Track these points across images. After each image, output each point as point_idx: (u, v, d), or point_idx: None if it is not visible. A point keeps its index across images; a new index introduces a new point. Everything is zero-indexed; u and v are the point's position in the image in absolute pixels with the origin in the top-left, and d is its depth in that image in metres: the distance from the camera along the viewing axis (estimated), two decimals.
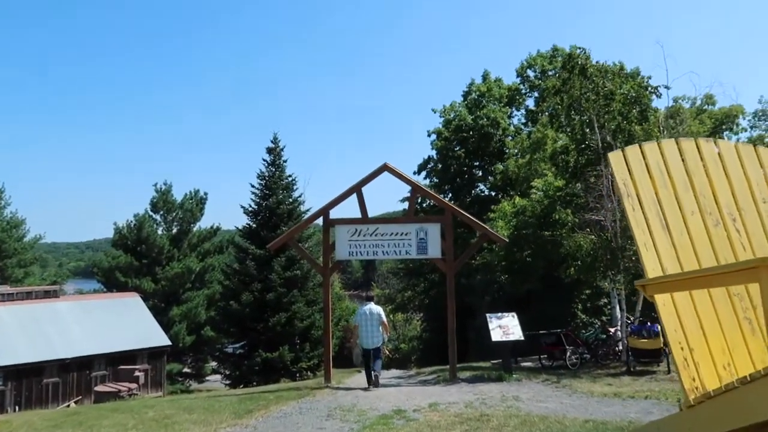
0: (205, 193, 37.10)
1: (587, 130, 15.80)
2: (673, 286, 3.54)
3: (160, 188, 36.07)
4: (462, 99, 33.70)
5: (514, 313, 13.48)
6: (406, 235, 13.13)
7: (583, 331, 16.69)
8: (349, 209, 14.94)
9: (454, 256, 13.23)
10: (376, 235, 13.20)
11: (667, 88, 15.79)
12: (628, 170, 4.23)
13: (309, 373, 20.11)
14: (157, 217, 36.70)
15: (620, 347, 15.04)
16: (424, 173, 33.40)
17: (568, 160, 16.30)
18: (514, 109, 34.02)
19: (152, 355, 26.94)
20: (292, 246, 14.47)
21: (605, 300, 18.92)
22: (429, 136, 32.68)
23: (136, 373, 23.28)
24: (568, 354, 14.50)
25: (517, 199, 20.46)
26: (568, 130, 16.09)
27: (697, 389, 3.37)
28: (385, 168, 13.37)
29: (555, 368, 15.03)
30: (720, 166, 4.31)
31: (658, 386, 11.22)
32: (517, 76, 34.14)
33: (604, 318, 19.29)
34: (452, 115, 32.27)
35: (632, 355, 13.22)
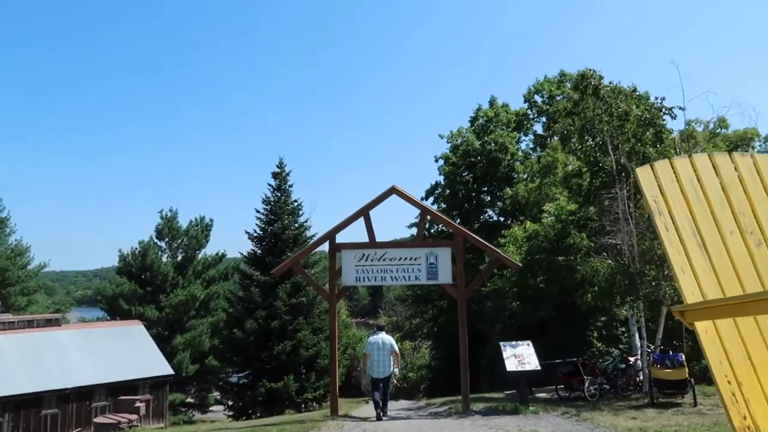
0: (211, 220, 36.81)
1: (599, 153, 15.39)
2: (716, 312, 3.16)
3: (166, 215, 35.82)
4: (469, 124, 33.49)
5: (529, 342, 12.88)
6: (415, 259, 12.66)
7: (601, 360, 16.00)
8: (356, 234, 14.53)
9: (465, 281, 12.72)
10: (384, 260, 12.73)
11: (681, 109, 15.37)
12: (659, 186, 3.90)
13: (315, 404, 19.40)
14: (162, 244, 36.36)
15: (641, 377, 14.35)
16: (431, 199, 33.02)
17: (581, 183, 15.85)
18: (521, 134, 33.76)
19: (154, 384, 26.26)
20: (297, 271, 13.99)
21: (623, 328, 18.21)
22: (436, 161, 32.42)
23: (137, 404, 22.59)
24: (587, 384, 13.82)
25: (529, 223, 19.97)
26: (581, 152, 15.68)
27: (749, 429, 2.94)
28: (393, 191, 12.97)
29: (573, 399, 14.33)
30: (759, 182, 3.97)
31: (686, 420, 10.55)
32: (525, 101, 33.96)
33: (621, 347, 18.56)
34: (459, 141, 32.02)
35: (655, 386, 12.55)
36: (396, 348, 11.52)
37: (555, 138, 30.97)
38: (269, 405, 18.11)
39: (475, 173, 29.98)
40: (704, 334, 3.48)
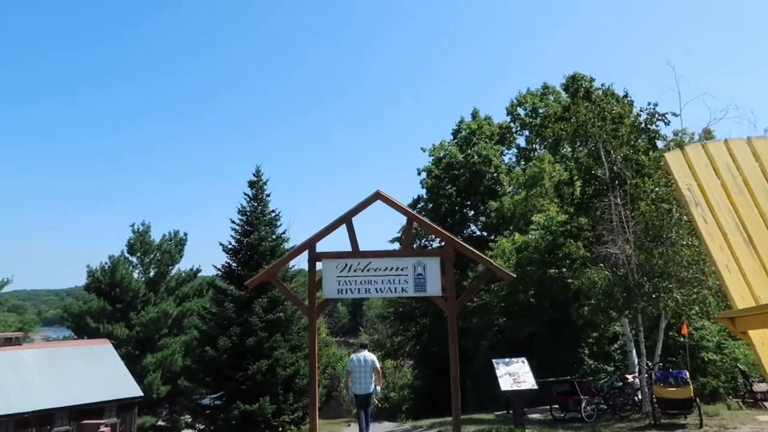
0: (185, 234, 35.37)
1: (591, 159, 14.76)
2: None
3: (138, 229, 34.31)
4: (452, 137, 32.92)
5: (523, 359, 12.05)
6: (402, 270, 11.75)
7: (595, 379, 15.20)
8: (338, 243, 13.61)
9: (458, 293, 11.85)
10: (368, 271, 11.80)
11: (675, 115, 14.85)
12: (692, 173, 3.37)
13: (293, 426, 18.20)
14: (134, 259, 34.77)
15: (639, 396, 13.56)
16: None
17: (573, 192, 15.18)
18: (505, 147, 33.28)
19: (122, 407, 24.70)
20: (273, 283, 12.97)
21: (615, 344, 17.45)
22: (419, 174, 31.70)
23: (101, 429, 21.04)
24: (584, 404, 12.99)
25: (517, 235, 19.24)
26: (573, 159, 15.02)
27: None
28: (377, 196, 12.10)
29: (568, 420, 13.48)
30: None
31: None
32: (507, 114, 33.57)
33: (613, 364, 17.78)
34: (442, 154, 31.38)
35: (658, 406, 11.75)
36: (378, 365, 11.51)
37: (541, 148, 30.56)
38: (244, 429, 16.85)
39: (458, 186, 29.28)
40: (761, 345, 2.92)
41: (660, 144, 15.20)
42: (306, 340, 17.65)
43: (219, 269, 20.00)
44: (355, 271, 11.78)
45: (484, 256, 12.03)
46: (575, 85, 14.08)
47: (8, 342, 24.76)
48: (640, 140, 15.08)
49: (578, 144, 14.17)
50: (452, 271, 11.85)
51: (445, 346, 28.05)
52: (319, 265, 11.96)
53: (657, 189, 12.97)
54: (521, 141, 34.16)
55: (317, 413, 11.44)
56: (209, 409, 19.40)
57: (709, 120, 13.43)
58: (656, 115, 15.02)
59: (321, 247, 12.00)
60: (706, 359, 15.74)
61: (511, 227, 23.84)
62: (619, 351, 18.22)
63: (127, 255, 34.34)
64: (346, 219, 11.97)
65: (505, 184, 27.69)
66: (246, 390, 17.44)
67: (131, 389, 25.45)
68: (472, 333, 21.85)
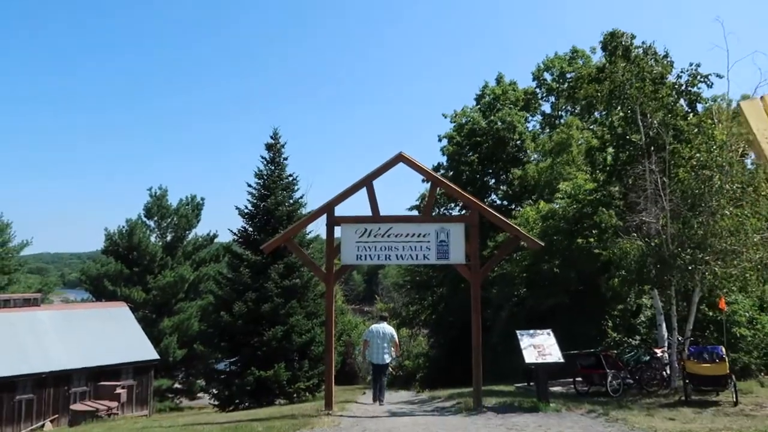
0: (202, 199, 35.22)
1: (626, 124, 13.90)
2: None
3: (155, 192, 34.20)
4: (475, 103, 31.88)
5: (549, 331, 11.47)
6: (424, 236, 11.19)
7: (618, 351, 14.66)
8: (357, 207, 13.05)
9: (480, 262, 11.29)
10: (389, 237, 11.27)
11: (719, 76, 13.85)
12: None
13: (308, 394, 18.03)
14: (151, 223, 34.79)
15: (667, 371, 13.00)
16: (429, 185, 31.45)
17: (605, 158, 14.39)
18: (529, 114, 32.20)
19: (138, 369, 24.85)
20: (289, 248, 12.51)
21: (642, 317, 16.82)
22: (440, 140, 30.78)
23: (117, 390, 21.17)
24: (609, 379, 12.46)
25: (542, 203, 18.50)
26: (606, 123, 14.18)
27: None
28: (400, 159, 11.47)
29: (592, 394, 12.99)
30: None
31: (734, 422, 9.17)
32: (533, 80, 32.41)
33: (638, 337, 17.19)
34: (464, 120, 30.41)
35: (689, 382, 11.18)
36: (396, 338, 11.87)
37: (568, 115, 29.47)
38: (258, 395, 16.71)
39: (480, 153, 28.39)
40: None
41: (700, 108, 14.24)
42: (322, 307, 17.30)
43: (235, 234, 19.61)
44: (375, 236, 11.25)
45: (511, 223, 11.41)
46: (614, 42, 13.14)
47: (27, 303, 24.91)
48: (679, 103, 14.17)
49: (614, 107, 13.30)
50: (477, 239, 11.27)
51: (462, 315, 27.66)
52: (337, 231, 11.45)
53: (698, 155, 12.13)
54: (546, 108, 33.10)
55: (333, 381, 11.09)
56: (224, 374, 19.28)
57: (759, 81, 12.44)
58: (698, 77, 14.07)
59: (340, 211, 11.48)
60: (738, 334, 15.08)
61: (534, 196, 23.08)
62: (644, 324, 17.61)
63: (144, 219, 34.35)
64: (367, 182, 11.39)
65: (529, 151, 26.73)
66: (261, 356, 17.22)
67: (148, 352, 25.57)
68: (491, 303, 21.32)
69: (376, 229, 11.24)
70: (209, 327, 20.62)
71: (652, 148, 13.54)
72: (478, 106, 31.23)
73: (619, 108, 13.46)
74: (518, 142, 28.22)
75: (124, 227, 33.04)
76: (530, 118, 32.19)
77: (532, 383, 14.29)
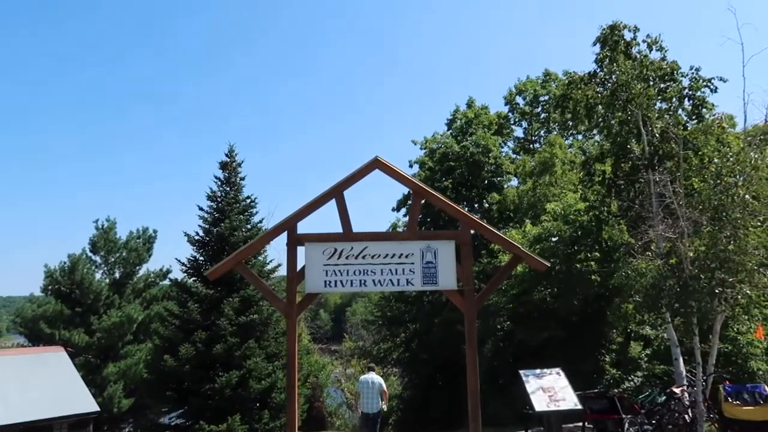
0: (155, 231, 32.36)
1: (626, 130, 12.39)
2: None
3: (102, 225, 31.26)
4: (446, 128, 30.57)
5: (559, 370, 9.61)
6: (407, 257, 9.23)
7: (630, 392, 12.79)
8: (325, 224, 11.00)
9: (475, 286, 9.37)
10: (364, 258, 9.27)
11: (722, 80, 12.53)
12: None
13: None
14: (98, 258, 31.69)
15: (690, 415, 11.14)
16: (403, 210, 29.70)
17: (604, 170, 12.80)
18: (501, 140, 31.00)
19: (74, 424, 21.58)
20: (240, 272, 10.33)
21: (648, 350, 15.02)
22: (410, 167, 29.17)
23: None
24: (626, 426, 10.53)
25: (529, 226, 16.83)
26: (605, 132, 12.65)
27: None
28: (376, 164, 9.57)
29: None
30: None
31: None
32: (506, 104, 31.34)
33: (639, 374, 15.39)
34: (436, 146, 28.97)
35: (724, 427, 9.35)
36: (384, 387, 12.45)
37: (545, 136, 28.25)
38: None
39: (454, 179, 26.83)
40: None
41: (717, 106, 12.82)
42: (285, 346, 14.97)
43: (183, 264, 17.21)
44: (347, 258, 9.25)
45: (510, 241, 9.55)
46: (614, 37, 11.71)
47: None
48: (683, 108, 12.79)
49: (617, 109, 11.78)
50: (470, 259, 9.35)
51: (436, 352, 25.60)
52: (301, 252, 9.40)
53: (717, 161, 10.61)
54: (519, 132, 32.02)
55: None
56: (168, 429, 16.56)
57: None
58: (700, 81, 12.73)
59: (304, 228, 9.47)
60: (755, 368, 13.44)
61: (515, 221, 21.45)
62: (645, 359, 15.84)
63: (89, 254, 31.30)
64: (337, 192, 9.44)
65: (510, 172, 25.23)
66: (213, 406, 14.70)
67: (86, 403, 22.34)
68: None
69: (348, 249, 9.24)
70: (150, 373, 17.91)
71: (656, 158, 12.04)
72: (450, 131, 29.93)
73: (620, 113, 11.93)
74: (493, 167, 26.80)
75: (65, 263, 29.96)
76: (503, 143, 31.00)
77: (530, 431, 12.30)
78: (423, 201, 9.71)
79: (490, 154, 26.32)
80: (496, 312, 17.68)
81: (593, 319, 14.99)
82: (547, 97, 28.65)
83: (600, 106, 12.02)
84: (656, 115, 12.02)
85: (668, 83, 11.61)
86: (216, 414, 14.68)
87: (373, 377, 12.47)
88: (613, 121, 12.29)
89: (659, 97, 11.60)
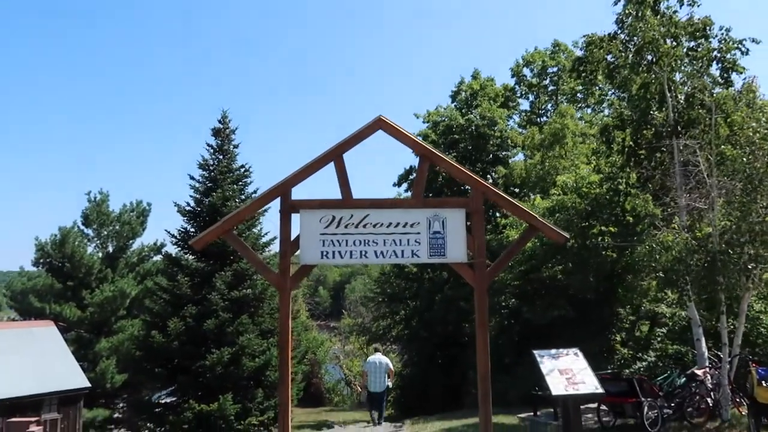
0: (149, 204, 31.48)
1: (649, 93, 11.44)
2: None
3: (94, 197, 30.41)
4: (450, 100, 29.47)
5: (577, 350, 8.80)
6: (412, 226, 8.38)
7: (648, 374, 12.06)
8: (323, 190, 10.18)
9: (488, 259, 8.54)
10: (365, 227, 8.41)
11: (755, 41, 11.55)
12: None
13: (263, 429, 14.86)
14: (90, 231, 30.86)
15: (712, 397, 10.42)
16: (405, 185, 28.77)
17: (624, 137, 11.89)
18: (507, 114, 29.97)
19: (64, 400, 21.07)
20: (228, 241, 9.48)
21: (661, 330, 14.25)
22: None
23: (32, 428, 17.46)
24: (645, 409, 9.79)
25: (538, 199, 15.97)
26: (626, 96, 11.72)
27: None
28: (379, 125, 8.66)
29: (620, 428, 10.35)
30: None
31: None
32: (512, 76, 30.22)
33: (652, 353, 14.64)
34: (439, 119, 27.95)
35: (758, 414, 8.61)
36: (391, 366, 13.08)
37: (554, 109, 27.22)
38: None
39: (458, 153, 25.82)
40: None
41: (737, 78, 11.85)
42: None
43: (173, 235, 16.36)
44: (346, 226, 8.39)
45: (528, 210, 8.68)
46: None
47: None
48: (707, 74, 11.82)
49: (643, 71, 10.81)
50: (483, 229, 8.49)
51: (437, 330, 24.91)
52: (296, 220, 8.54)
53: (754, 124, 9.69)
54: (525, 105, 30.97)
55: (290, 415, 8.09)
56: (158, 407, 15.88)
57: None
58: (731, 42, 11.74)
59: (299, 194, 8.60)
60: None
61: (521, 196, 20.58)
62: (658, 339, 15.08)
63: (81, 227, 30.46)
64: (336, 154, 8.54)
65: (518, 145, 24.22)
66: (203, 384, 14.01)
67: (76, 379, 21.74)
68: (472, 315, 18.63)
69: (347, 216, 8.38)
70: (139, 349, 17.17)
71: (680, 125, 11.12)
72: (454, 104, 28.85)
73: (645, 74, 10.97)
74: (499, 140, 25.81)
75: (56, 236, 29.14)
76: (509, 117, 29.98)
77: (539, 413, 11.62)
78: (429, 165, 8.78)
79: (495, 127, 25.32)
80: (501, 289, 16.90)
81: (604, 298, 14.21)
82: (555, 69, 27.56)
83: (623, 69, 11.06)
84: (682, 79, 11.07)
85: (699, 41, 10.63)
86: (207, 392, 14.00)
87: (381, 358, 13.16)
88: (634, 86, 11.34)
89: (687, 57, 10.62)
